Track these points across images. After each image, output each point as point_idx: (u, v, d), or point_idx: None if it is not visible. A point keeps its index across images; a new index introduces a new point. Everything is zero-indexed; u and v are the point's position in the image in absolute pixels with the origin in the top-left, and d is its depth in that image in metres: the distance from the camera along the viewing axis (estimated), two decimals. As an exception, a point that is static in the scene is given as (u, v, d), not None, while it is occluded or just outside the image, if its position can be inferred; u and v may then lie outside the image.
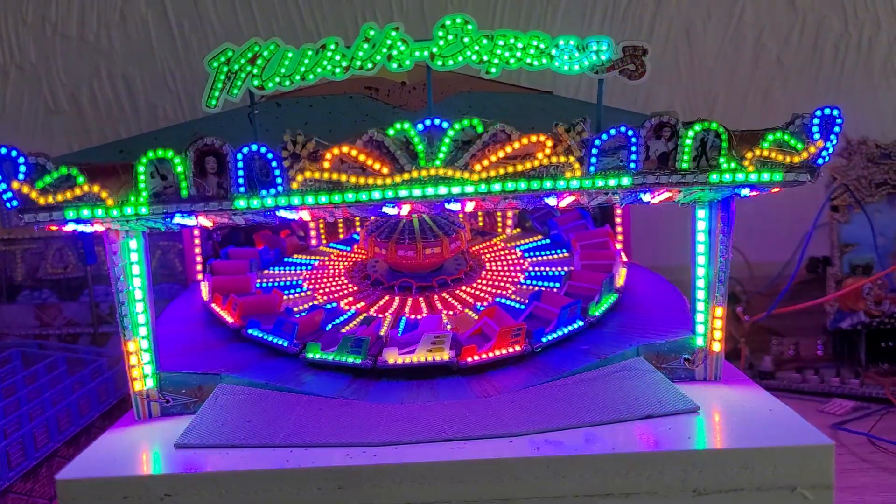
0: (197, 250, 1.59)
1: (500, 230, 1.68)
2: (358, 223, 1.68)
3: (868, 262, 1.83)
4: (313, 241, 1.64)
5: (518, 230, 1.68)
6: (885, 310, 1.80)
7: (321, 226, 1.65)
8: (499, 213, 1.69)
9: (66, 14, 2.10)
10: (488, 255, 1.57)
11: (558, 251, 1.56)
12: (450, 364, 1.19)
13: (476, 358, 1.20)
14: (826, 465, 0.97)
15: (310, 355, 1.21)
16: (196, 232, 1.60)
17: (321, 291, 1.45)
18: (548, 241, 1.61)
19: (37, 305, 1.89)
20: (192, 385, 1.18)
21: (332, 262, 1.56)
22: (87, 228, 1.07)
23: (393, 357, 1.19)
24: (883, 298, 1.81)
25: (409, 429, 1.05)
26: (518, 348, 1.22)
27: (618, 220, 1.64)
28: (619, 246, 1.54)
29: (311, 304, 1.39)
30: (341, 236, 1.67)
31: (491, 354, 1.21)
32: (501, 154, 1.04)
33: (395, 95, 1.32)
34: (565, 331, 1.26)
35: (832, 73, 2.17)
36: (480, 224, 1.70)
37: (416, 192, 1.04)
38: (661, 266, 1.59)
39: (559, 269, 1.48)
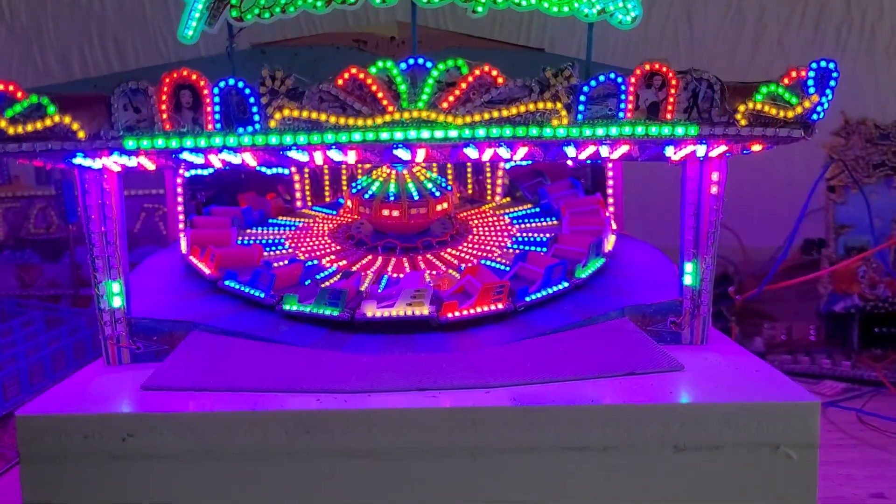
0: (179, 209, 1.56)
1: (489, 198, 1.65)
2: (345, 187, 1.65)
3: (864, 244, 1.79)
4: (298, 203, 1.61)
5: (508, 199, 1.65)
6: (880, 294, 1.77)
7: (306, 188, 1.62)
8: (488, 181, 1.65)
9: (58, -26, 2.08)
10: (476, 221, 1.54)
11: (548, 219, 1.53)
12: (429, 319, 1.16)
13: (457, 314, 1.17)
14: (811, 424, 0.94)
15: (286, 307, 1.18)
16: (179, 190, 1.56)
17: (303, 250, 1.42)
18: (537, 209, 1.57)
19: (18, 266, 1.86)
20: (164, 332, 1.15)
21: (316, 224, 1.53)
22: (58, 164, 1.04)
23: (371, 310, 1.16)
24: (878, 282, 1.78)
25: (384, 378, 1.02)
26: (500, 306, 1.19)
27: (609, 190, 1.60)
28: (609, 214, 1.51)
29: (291, 259, 1.36)
30: (327, 199, 1.64)
31: (472, 311, 1.18)
32: (486, 97, 1.01)
33: (384, 48, 1.29)
34: (550, 291, 1.23)
35: (833, 55, 2.12)
36: (470, 192, 1.67)
37: (398, 135, 1.01)
38: (655, 243, 1.56)
39: (547, 235, 1.45)
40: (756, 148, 1.10)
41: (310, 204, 1.62)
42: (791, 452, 0.94)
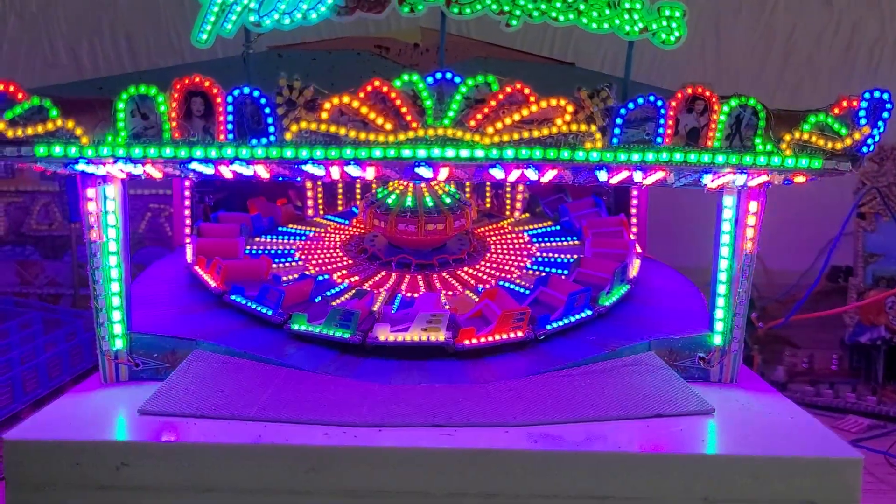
0: (186, 213, 1.50)
1: (508, 213, 1.58)
2: (358, 195, 1.59)
3: (893, 274, 1.73)
4: (310, 212, 1.55)
5: (527, 215, 1.58)
6: (908, 326, 1.71)
7: (319, 196, 1.56)
8: (508, 196, 1.59)
9: (70, -37, 2.02)
10: (494, 238, 1.47)
11: (569, 238, 1.46)
12: (445, 346, 1.10)
13: (474, 341, 1.11)
14: (852, 482, 0.88)
15: (295, 326, 1.12)
16: (187, 193, 1.51)
17: (313, 262, 1.36)
18: (558, 227, 1.51)
19: (18, 262, 1.80)
20: (166, 349, 1.09)
21: (328, 234, 1.47)
22: (60, 169, 0.98)
23: (384, 334, 1.10)
24: (907, 314, 1.71)
25: (396, 410, 0.96)
26: (520, 334, 1.12)
27: (633, 210, 1.54)
28: (633, 237, 1.44)
29: (301, 273, 1.30)
30: (340, 209, 1.58)
31: (490, 339, 1.12)
32: (517, 116, 0.95)
33: (407, 56, 1.23)
34: (572, 319, 1.16)
35: (865, 76, 2.07)
36: (488, 206, 1.61)
37: (421, 153, 0.95)
38: (678, 267, 1.49)
39: (568, 256, 1.38)
40: (799, 179, 1.03)
41: (322, 212, 1.56)
42: (829, 511, 0.88)
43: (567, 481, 0.88)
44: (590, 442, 0.91)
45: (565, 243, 1.45)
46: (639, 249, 1.40)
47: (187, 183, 1.49)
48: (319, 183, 1.56)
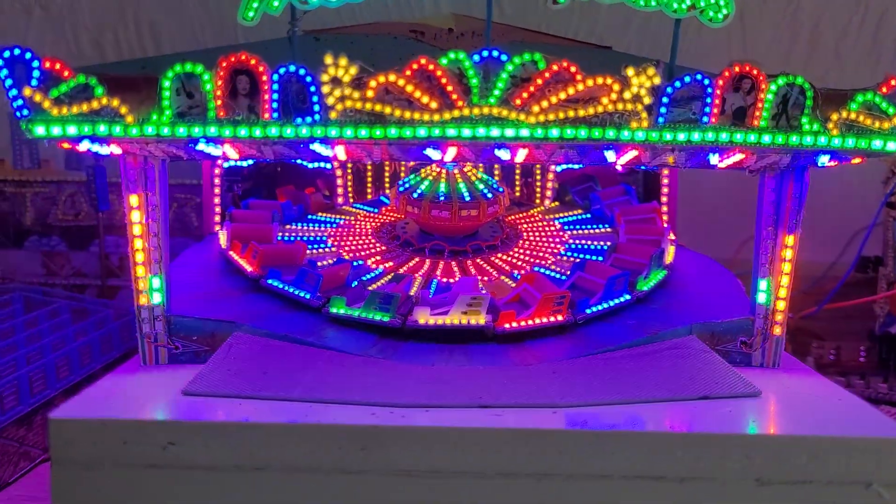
0: (216, 200, 1.49)
1: (538, 201, 1.58)
2: (387, 184, 1.58)
3: (922, 264, 1.72)
4: (340, 199, 1.54)
5: (557, 203, 1.58)
6: (939, 317, 1.69)
7: (349, 184, 1.56)
8: (538, 184, 1.59)
9: (95, -45, 2.02)
10: (525, 226, 1.47)
11: (600, 226, 1.46)
12: (485, 329, 1.09)
13: (514, 325, 1.10)
14: (906, 461, 0.86)
15: (333, 310, 1.11)
16: (216, 182, 1.50)
17: (346, 249, 1.35)
18: (588, 215, 1.51)
19: (44, 252, 1.80)
20: (205, 332, 1.09)
21: (358, 222, 1.46)
22: (103, 149, 0.98)
23: (424, 317, 1.09)
24: (937, 304, 1.70)
25: (442, 391, 0.95)
26: (560, 318, 1.12)
27: (664, 198, 1.53)
28: (666, 224, 1.44)
29: (335, 258, 1.29)
30: (369, 197, 1.58)
31: (530, 322, 1.11)
32: (563, 95, 0.94)
33: (442, 40, 1.23)
34: (611, 303, 1.16)
35: (892, 68, 2.05)
36: (518, 194, 1.60)
37: (466, 132, 0.94)
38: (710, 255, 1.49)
39: (602, 243, 1.38)
40: (856, 161, 1.02)
41: (351, 200, 1.56)
42: (883, 492, 0.87)
43: (620, 462, 0.87)
44: (639, 422, 0.90)
45: (598, 231, 1.44)
46: (672, 237, 1.39)
47: (217, 171, 1.49)
48: (350, 172, 1.55)
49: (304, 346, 1.06)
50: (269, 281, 1.18)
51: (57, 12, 2.05)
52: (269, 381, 0.96)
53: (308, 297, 1.14)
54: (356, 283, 1.20)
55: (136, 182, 1.02)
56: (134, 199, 1.02)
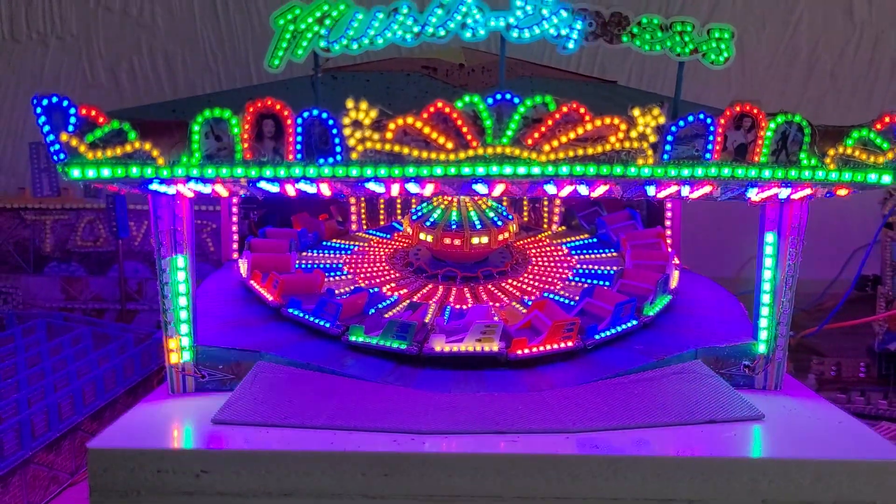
0: (234, 228, 1.54)
1: (545, 226, 1.63)
2: (399, 211, 1.63)
3: (920, 282, 1.76)
4: (353, 226, 1.59)
5: (564, 227, 1.62)
6: (937, 333, 1.74)
7: (362, 211, 1.60)
8: (545, 209, 1.63)
9: (110, -14, 2.08)
10: (533, 251, 1.51)
11: (607, 250, 1.50)
12: (498, 356, 1.14)
13: (526, 351, 1.15)
14: (905, 483, 0.91)
15: (353, 338, 1.16)
16: (234, 210, 1.55)
17: (362, 276, 1.40)
18: (595, 239, 1.55)
19: (63, 278, 1.85)
20: (230, 361, 1.13)
21: (372, 249, 1.51)
22: (135, 190, 1.03)
23: (440, 345, 1.14)
24: (935, 321, 1.74)
25: (459, 418, 0.99)
26: (570, 343, 1.16)
27: (668, 222, 1.58)
28: (670, 249, 1.48)
29: (353, 287, 1.34)
30: (382, 223, 1.62)
31: (542, 348, 1.15)
32: (573, 135, 0.99)
33: (454, 76, 1.27)
34: (619, 329, 1.20)
35: (888, 89, 2.11)
36: (525, 219, 1.65)
37: (480, 170, 0.99)
38: (713, 277, 1.53)
39: (608, 268, 1.42)
40: (842, 192, 1.07)
41: (365, 227, 1.60)
42: (883, 512, 0.91)
43: (630, 485, 0.91)
44: (649, 447, 0.94)
45: (604, 255, 1.49)
46: (677, 261, 1.43)
47: (235, 199, 1.53)
48: (363, 199, 1.60)
49: (325, 374, 1.11)
50: (290, 310, 1.22)
51: (72, 42, 2.10)
52: (294, 409, 1.01)
53: (328, 325, 1.19)
54: (373, 310, 1.25)
55: (164, 219, 1.07)
56: (163, 235, 1.07)
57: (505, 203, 1.62)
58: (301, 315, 1.21)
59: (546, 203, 1.63)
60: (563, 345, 1.16)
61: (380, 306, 1.28)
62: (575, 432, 0.97)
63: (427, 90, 1.20)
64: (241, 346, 1.14)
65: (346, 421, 0.98)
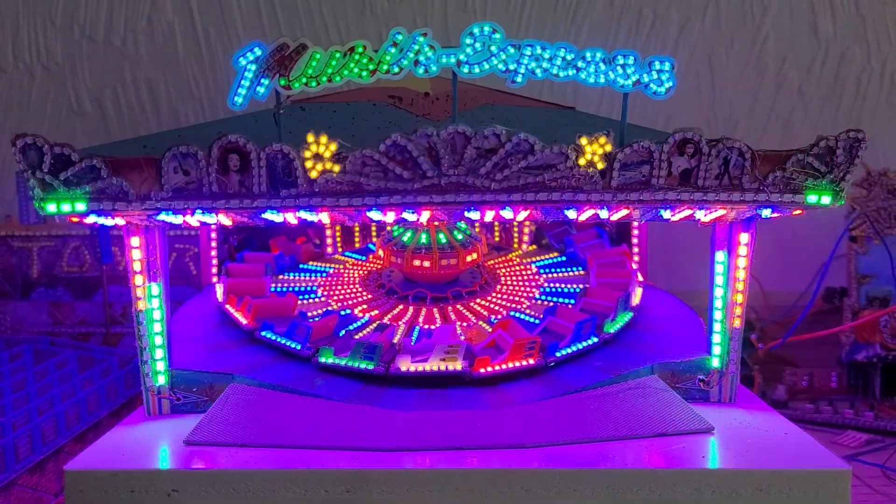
0: (213, 253, 1.59)
1: (516, 246, 1.68)
2: (374, 233, 1.68)
3: (886, 294, 1.81)
4: (329, 249, 1.64)
5: (534, 247, 1.67)
6: (902, 343, 1.78)
7: (337, 234, 1.65)
8: (515, 229, 1.68)
9: (94, 17, 2.13)
10: (503, 270, 1.56)
11: (574, 269, 1.55)
12: (462, 374, 1.19)
13: (489, 369, 1.19)
14: (842, 492, 0.96)
15: (322, 359, 1.21)
16: (213, 235, 1.60)
17: (335, 298, 1.44)
18: (564, 258, 1.60)
19: (51, 303, 1.89)
20: (204, 384, 1.18)
21: (347, 271, 1.56)
22: (108, 221, 1.07)
23: (406, 365, 1.19)
24: (900, 332, 1.79)
25: (420, 435, 1.04)
26: (531, 361, 1.21)
27: (635, 240, 1.63)
28: (635, 266, 1.53)
29: (324, 309, 1.39)
30: (357, 245, 1.67)
31: (504, 366, 1.20)
32: (523, 163, 1.04)
33: (419, 105, 1.32)
34: (579, 346, 1.25)
35: (853, 104, 2.17)
36: (497, 239, 1.70)
37: (436, 199, 1.04)
38: (677, 291, 1.58)
39: (574, 286, 1.47)
40: (797, 212, 1.12)
41: (340, 249, 1.65)
42: (822, 519, 0.96)
43: (582, 497, 0.96)
44: (600, 460, 0.99)
45: (571, 273, 1.54)
46: (640, 278, 1.48)
47: (213, 225, 1.58)
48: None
49: (295, 395, 1.15)
50: (263, 333, 1.27)
51: (58, 72, 2.16)
52: (264, 429, 1.06)
53: (299, 347, 1.24)
54: (343, 332, 1.30)
55: (137, 249, 1.12)
56: (136, 265, 1.12)
57: (477, 225, 1.67)
58: (273, 338, 1.26)
59: (516, 224, 1.68)
60: (524, 363, 1.21)
61: (350, 328, 1.32)
62: (531, 447, 1.02)
63: (391, 120, 1.25)
64: (215, 369, 1.19)
65: (312, 440, 1.03)
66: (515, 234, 1.68)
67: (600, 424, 1.07)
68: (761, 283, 2.10)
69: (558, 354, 1.23)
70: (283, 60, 1.01)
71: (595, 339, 1.27)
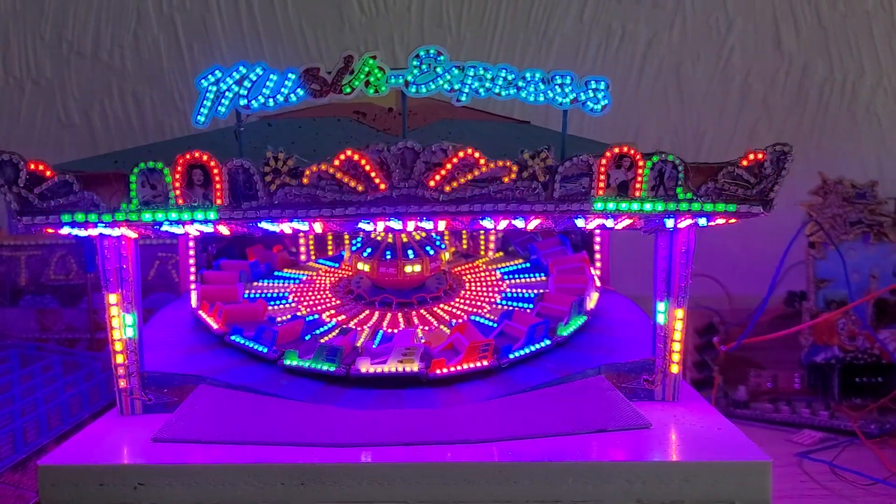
0: (191, 261, 1.66)
1: (483, 253, 1.74)
2: (347, 241, 1.75)
3: (842, 298, 1.87)
4: (302, 257, 1.71)
5: (501, 254, 1.74)
6: (859, 345, 1.85)
7: (311, 242, 1.72)
8: (482, 237, 1.75)
9: (81, 33, 2.21)
10: (469, 276, 1.63)
11: (537, 275, 1.62)
12: (419, 375, 1.25)
13: (445, 370, 1.26)
14: (763, 482, 1.02)
15: (287, 362, 1.28)
16: (191, 244, 1.67)
17: (305, 304, 1.51)
18: (528, 264, 1.67)
19: (38, 310, 1.96)
20: (174, 385, 1.25)
21: (319, 278, 1.62)
22: (82, 232, 1.14)
23: (365, 366, 1.25)
24: (856, 334, 1.85)
25: (373, 432, 1.11)
26: (486, 363, 1.28)
27: (597, 246, 1.70)
28: (596, 272, 1.60)
29: (291, 315, 1.46)
30: (330, 253, 1.74)
31: (459, 367, 1.27)
32: (470, 176, 1.11)
33: (381, 120, 1.39)
34: (532, 349, 1.32)
35: (816, 114, 2.24)
36: (465, 247, 1.77)
37: (388, 210, 1.11)
38: (639, 296, 1.64)
39: (535, 291, 1.54)
40: (720, 221, 1.19)
41: (313, 257, 1.72)
42: (744, 509, 1.03)
43: (520, 489, 1.03)
44: (541, 454, 1.06)
45: (533, 279, 1.61)
46: (598, 283, 1.55)
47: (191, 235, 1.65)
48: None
49: (259, 396, 1.22)
50: (232, 337, 1.34)
51: (47, 86, 2.24)
52: (227, 427, 1.13)
53: (265, 350, 1.31)
54: (309, 336, 1.37)
55: (111, 259, 1.19)
56: (110, 273, 1.19)
57: (446, 232, 1.74)
58: (242, 342, 1.33)
59: (482, 232, 1.75)
60: (479, 364, 1.28)
61: (317, 332, 1.39)
62: (477, 442, 1.09)
63: (353, 135, 1.32)
64: (185, 371, 1.26)
65: (271, 437, 1.10)
66: (482, 242, 1.75)
67: (544, 421, 1.14)
68: (727, 288, 2.17)
69: (511, 357, 1.30)
70: (242, 81, 1.08)
71: (548, 342, 1.33)
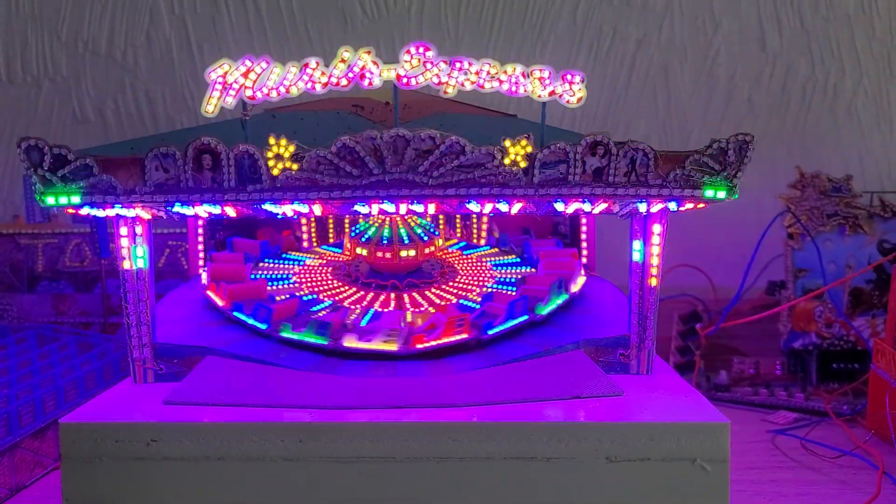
0: (200, 247, 1.76)
1: (475, 240, 1.84)
2: (347, 228, 1.85)
3: (819, 286, 1.96)
4: (305, 244, 1.81)
5: (496, 249, 1.84)
6: (835, 332, 1.94)
7: (312, 230, 1.82)
8: (475, 226, 1.85)
9: (97, 33, 2.32)
10: (463, 266, 1.73)
11: (527, 268, 1.71)
12: (397, 353, 1.35)
13: (426, 344, 1.36)
14: (722, 441, 1.11)
15: (283, 333, 1.38)
16: (200, 231, 1.77)
17: (308, 284, 1.61)
18: (519, 259, 1.76)
19: (54, 295, 2.07)
20: (184, 356, 1.35)
21: (322, 261, 1.72)
22: (100, 213, 1.24)
23: (351, 342, 1.35)
24: (833, 321, 1.94)
25: (366, 397, 1.21)
26: (465, 336, 1.37)
27: (583, 236, 1.80)
28: (584, 260, 1.70)
29: (291, 294, 1.56)
30: (331, 240, 1.84)
31: (437, 342, 1.36)
32: (456, 163, 1.21)
33: (378, 113, 1.49)
34: (512, 323, 1.41)
35: (799, 113, 2.33)
36: (459, 234, 1.86)
37: (382, 193, 1.21)
38: (626, 285, 1.73)
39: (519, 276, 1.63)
40: (689, 206, 1.28)
41: (315, 244, 1.82)
42: (706, 465, 1.12)
43: (500, 446, 1.12)
44: (519, 416, 1.15)
45: (523, 271, 1.70)
46: (583, 271, 1.64)
47: (200, 221, 1.76)
48: (313, 219, 1.82)
49: (261, 365, 1.32)
50: (235, 313, 1.44)
51: (63, 83, 2.35)
52: (232, 392, 1.22)
53: (264, 327, 1.41)
54: (303, 313, 1.47)
55: (126, 237, 1.29)
56: (124, 251, 1.29)
57: (441, 221, 1.84)
58: (243, 318, 1.43)
59: (475, 221, 1.85)
60: (457, 337, 1.37)
61: (311, 310, 1.49)
62: (459, 406, 1.18)
63: (351, 126, 1.41)
64: (194, 343, 1.36)
65: (273, 400, 1.20)
66: (475, 231, 1.85)
67: (524, 389, 1.23)
68: (711, 278, 2.26)
69: (491, 332, 1.39)
70: (248, 73, 1.18)
71: (526, 317, 1.43)
